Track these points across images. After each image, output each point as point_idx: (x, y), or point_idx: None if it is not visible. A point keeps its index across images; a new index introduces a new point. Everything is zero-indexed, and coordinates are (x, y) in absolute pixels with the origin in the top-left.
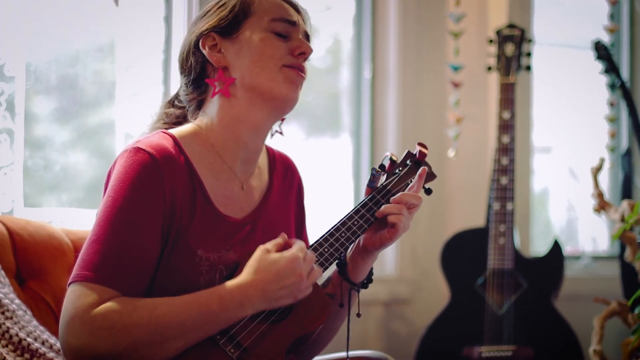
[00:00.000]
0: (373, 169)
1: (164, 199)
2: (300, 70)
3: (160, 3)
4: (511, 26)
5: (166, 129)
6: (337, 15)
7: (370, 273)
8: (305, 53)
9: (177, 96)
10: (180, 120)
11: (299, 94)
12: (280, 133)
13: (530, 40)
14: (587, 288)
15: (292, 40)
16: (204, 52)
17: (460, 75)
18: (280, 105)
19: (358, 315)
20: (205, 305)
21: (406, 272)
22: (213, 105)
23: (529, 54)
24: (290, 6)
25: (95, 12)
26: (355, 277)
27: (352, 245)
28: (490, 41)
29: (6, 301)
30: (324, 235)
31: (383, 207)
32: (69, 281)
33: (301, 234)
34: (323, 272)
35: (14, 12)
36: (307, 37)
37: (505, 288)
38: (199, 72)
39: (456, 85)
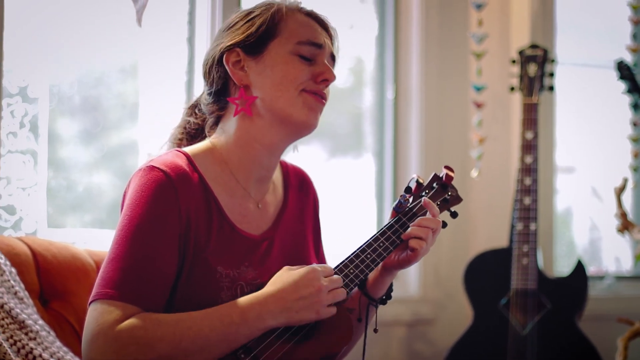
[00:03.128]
0: (402, 195)
1: (179, 215)
2: (321, 96)
3: (184, 24)
4: (534, 46)
5: (184, 137)
6: (359, 35)
7: (390, 289)
8: (328, 80)
9: (198, 103)
10: (198, 132)
11: (318, 119)
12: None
13: (552, 60)
14: (611, 308)
15: (316, 64)
16: (227, 68)
17: (483, 95)
18: (297, 130)
19: (375, 330)
20: (227, 316)
21: (429, 293)
22: (231, 123)
23: (551, 74)
24: (318, 24)
25: (118, 33)
26: (374, 292)
27: None
28: (513, 61)
29: (30, 322)
30: (349, 256)
31: (410, 229)
32: (90, 300)
33: (318, 249)
34: (349, 293)
35: (38, 34)
36: (332, 58)
37: (529, 308)
38: (221, 87)
39: (479, 105)
